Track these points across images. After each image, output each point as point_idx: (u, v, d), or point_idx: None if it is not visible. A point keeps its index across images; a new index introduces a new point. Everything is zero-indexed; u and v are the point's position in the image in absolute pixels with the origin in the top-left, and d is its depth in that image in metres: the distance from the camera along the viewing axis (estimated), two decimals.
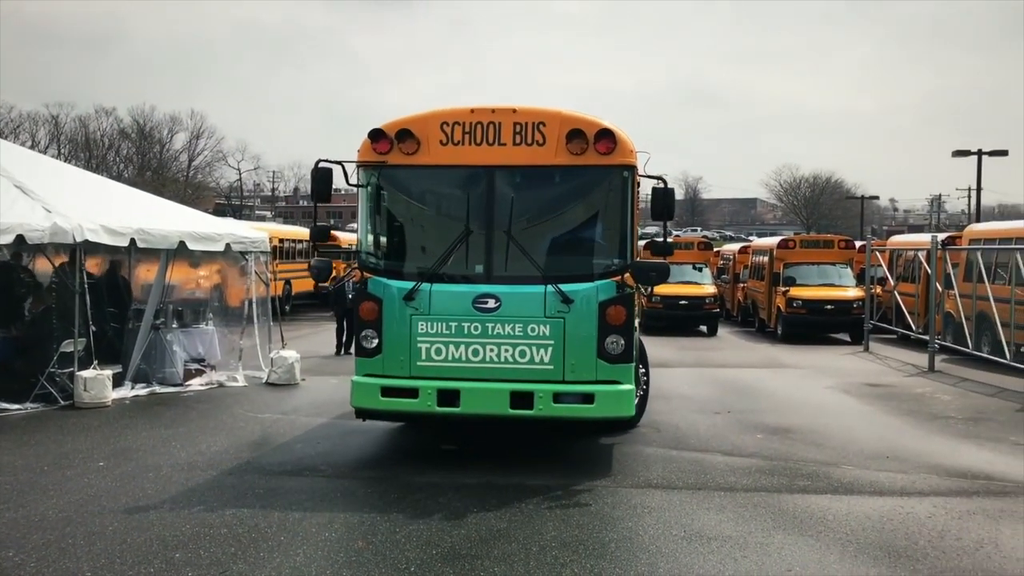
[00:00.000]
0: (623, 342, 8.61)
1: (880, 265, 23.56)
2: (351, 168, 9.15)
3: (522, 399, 8.47)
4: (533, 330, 8.56)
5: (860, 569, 6.26)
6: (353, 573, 6.06)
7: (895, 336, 23.17)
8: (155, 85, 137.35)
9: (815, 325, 23.84)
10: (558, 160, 8.74)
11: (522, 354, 8.56)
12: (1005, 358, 15.76)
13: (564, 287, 8.55)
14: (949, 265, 18.99)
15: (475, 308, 8.59)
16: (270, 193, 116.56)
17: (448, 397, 8.58)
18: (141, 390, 13.54)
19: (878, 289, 23.50)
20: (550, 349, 8.55)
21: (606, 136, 8.68)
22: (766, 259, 26.36)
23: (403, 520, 7.23)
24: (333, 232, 42.14)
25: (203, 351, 15.03)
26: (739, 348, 22.35)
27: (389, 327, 8.78)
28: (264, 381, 14.76)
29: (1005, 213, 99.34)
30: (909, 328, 21.20)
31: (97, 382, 12.39)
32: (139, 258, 15.62)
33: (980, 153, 39.96)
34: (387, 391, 8.72)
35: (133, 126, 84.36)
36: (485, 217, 8.82)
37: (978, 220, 40.01)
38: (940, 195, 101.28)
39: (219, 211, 67.68)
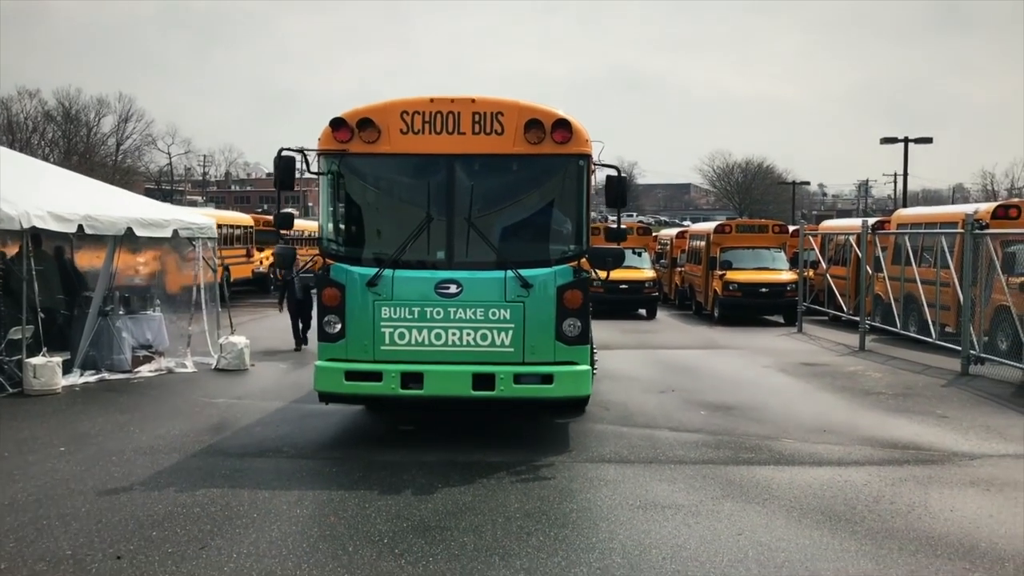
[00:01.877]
0: (580, 324, 8.96)
1: (813, 249, 24.36)
2: (312, 156, 9.31)
3: (484, 381, 8.78)
4: (494, 314, 8.85)
5: (804, 532, 6.71)
6: (329, 546, 6.31)
7: (826, 317, 24.01)
8: (80, 67, 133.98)
9: (750, 308, 24.58)
10: (516, 149, 9.02)
11: (483, 337, 8.84)
12: (931, 337, 16.53)
13: (523, 272, 8.86)
14: (878, 248, 19.77)
15: (437, 293, 8.85)
16: (201, 178, 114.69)
17: (412, 380, 8.84)
18: (90, 377, 13.51)
19: (810, 272, 24.30)
20: (510, 332, 8.85)
21: (562, 126, 8.99)
22: (703, 244, 27.03)
23: (371, 496, 7.50)
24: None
25: (151, 337, 15.03)
26: (678, 330, 22.97)
27: (352, 312, 8.97)
28: (213, 367, 14.81)
29: (928, 198, 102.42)
30: (841, 310, 22.02)
31: (47, 369, 12.36)
32: (79, 245, 15.51)
33: (906, 140, 41.31)
34: (351, 375, 8.93)
35: (58, 109, 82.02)
36: (446, 205, 9.08)
37: (904, 205, 41.42)
38: (867, 180, 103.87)
39: (149, 196, 66.40)
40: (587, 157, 9.23)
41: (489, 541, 6.45)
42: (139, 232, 13.96)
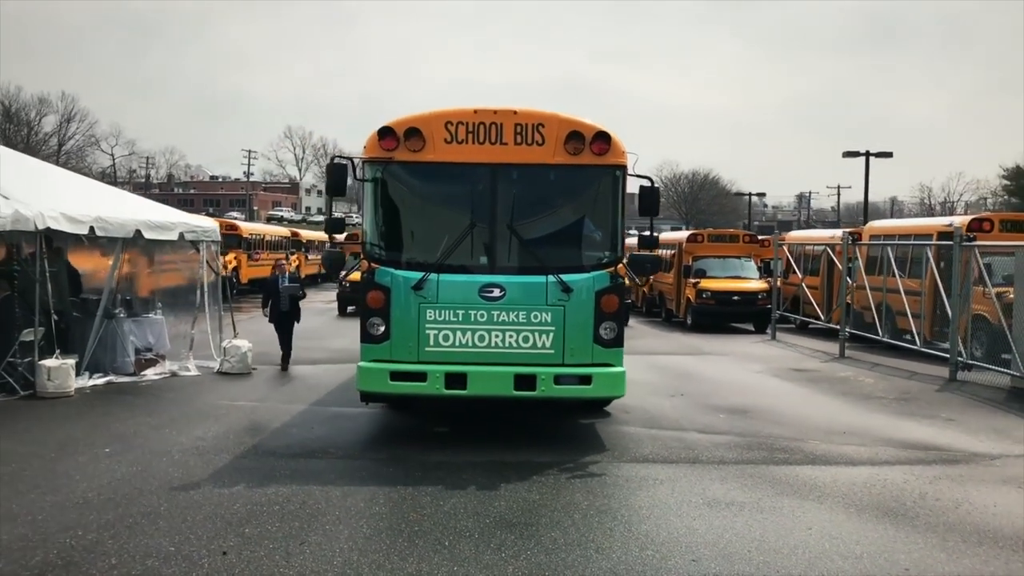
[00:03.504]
0: (616, 328, 9.39)
1: (781, 259, 25.04)
2: (358, 163, 9.63)
3: (525, 381, 9.12)
4: (535, 317, 9.20)
5: (869, 526, 7.08)
6: (425, 541, 6.49)
7: (794, 325, 24.68)
8: (21, 65, 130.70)
9: (723, 315, 25.14)
10: (556, 159, 9.37)
11: (525, 339, 9.20)
12: (916, 345, 17.18)
13: (563, 277, 9.23)
14: (860, 259, 20.45)
15: (481, 297, 9.18)
16: (144, 180, 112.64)
17: (455, 380, 9.12)
18: (98, 380, 13.41)
19: (778, 281, 24.97)
20: (551, 335, 9.21)
21: (602, 138, 9.40)
22: (674, 252, 27.56)
23: (441, 494, 7.67)
24: (236, 223, 41.59)
25: (153, 340, 14.93)
26: (657, 337, 23.40)
27: (397, 315, 9.25)
28: (216, 370, 14.77)
29: (872, 211, 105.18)
30: (813, 318, 22.68)
31: (61, 371, 12.26)
32: (74, 247, 15.32)
33: (868, 154, 42.61)
34: (396, 375, 9.18)
35: None
36: (488, 212, 9.43)
37: (865, 217, 42.82)
38: (809, 192, 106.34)
39: None
40: (623, 168, 9.61)
41: (575, 536, 6.68)
42: (147, 234, 13.90)
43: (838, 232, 24.18)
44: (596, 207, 9.84)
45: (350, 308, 28.58)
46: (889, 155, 42.10)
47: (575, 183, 9.76)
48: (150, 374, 14.14)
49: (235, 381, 14.04)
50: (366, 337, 9.37)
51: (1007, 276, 15.64)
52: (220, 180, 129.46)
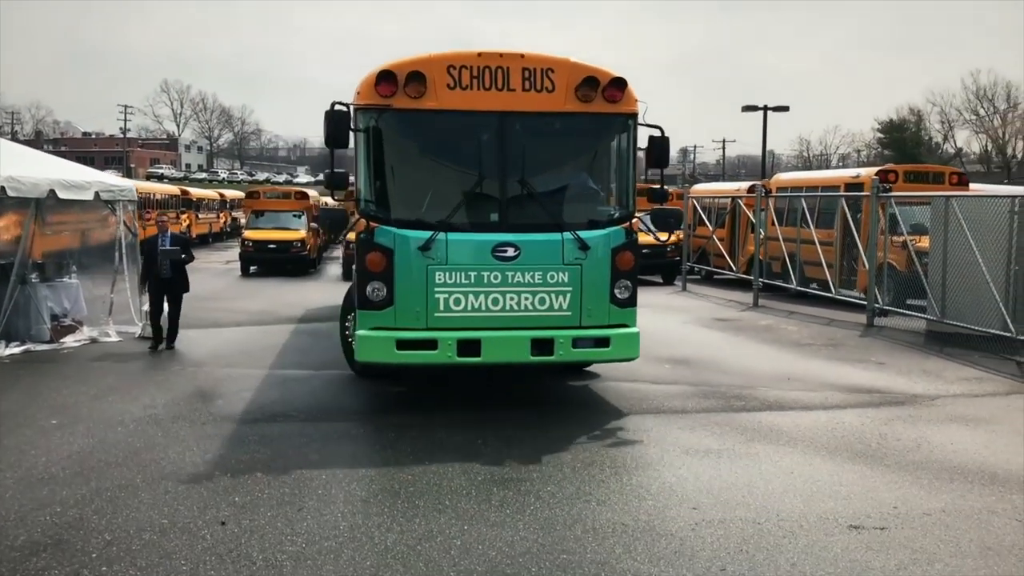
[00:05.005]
0: (631, 286, 9.01)
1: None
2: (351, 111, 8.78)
3: (542, 346, 8.65)
4: (552, 277, 8.69)
5: (845, 467, 7.36)
6: (425, 501, 6.41)
7: (699, 276, 25.30)
8: None
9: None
10: (567, 107, 8.79)
11: (541, 301, 8.69)
12: (831, 292, 17.87)
13: (580, 234, 8.77)
14: (771, 211, 21.04)
15: (494, 257, 8.59)
16: (9, 137, 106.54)
17: (468, 347, 8.55)
18: (15, 348, 12.69)
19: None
20: (568, 295, 8.73)
21: (617, 84, 8.86)
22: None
23: (422, 454, 7.59)
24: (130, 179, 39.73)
25: (69, 306, 14.20)
26: None
27: (402, 278, 8.58)
28: (138, 335, 14.16)
29: (746, 163, 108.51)
30: (724, 269, 23.30)
31: None
32: None
33: (765, 109, 43.75)
34: (403, 344, 8.55)
35: None
36: (497, 164, 8.79)
37: (763, 170, 43.94)
38: (695, 146, 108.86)
39: None
40: (635, 116, 9.11)
41: (571, 490, 6.72)
42: (61, 194, 13.13)
43: (743, 185, 24.83)
44: (609, 159, 9.38)
45: (252, 268, 27.91)
46: (786, 109, 43.31)
47: (587, 133, 9.26)
48: (69, 341, 13.46)
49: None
50: (365, 303, 8.66)
51: (914, 225, 16.38)
52: (93, 136, 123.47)
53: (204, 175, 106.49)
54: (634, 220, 9.26)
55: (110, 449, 7.71)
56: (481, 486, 6.78)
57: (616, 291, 8.94)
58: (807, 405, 9.61)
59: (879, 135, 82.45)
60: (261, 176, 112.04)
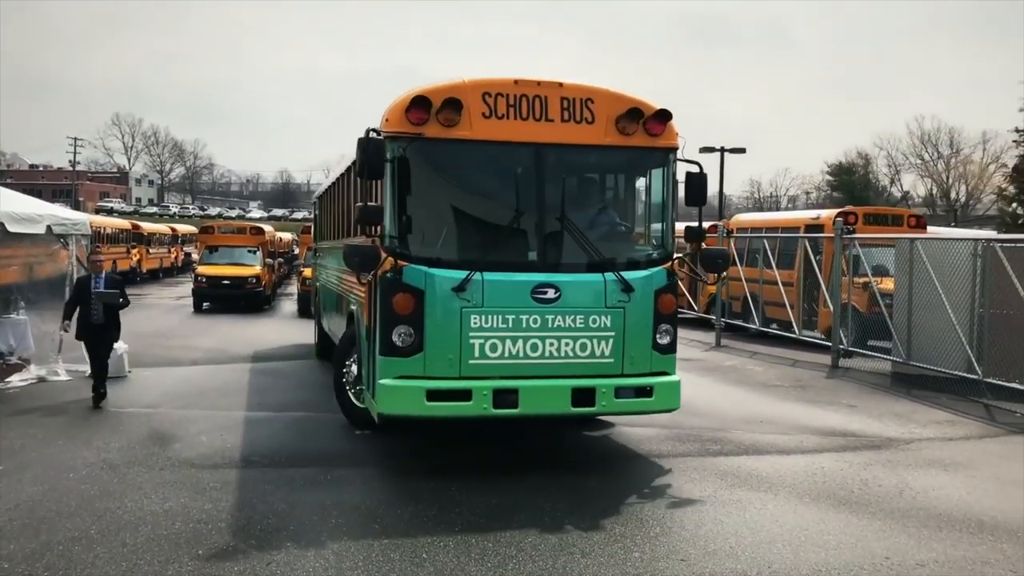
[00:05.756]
0: (672, 331, 8.51)
1: None
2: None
3: (583, 396, 8.03)
4: (594, 321, 8.10)
5: (830, 515, 7.17)
6: (401, 554, 6.09)
7: None
8: None
9: None
10: (607, 140, 8.30)
11: (583, 347, 8.08)
12: (794, 333, 17.89)
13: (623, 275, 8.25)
14: (733, 250, 21.08)
15: (534, 299, 7.96)
16: None
17: (505, 398, 7.90)
18: None
19: None
20: (611, 341, 8.14)
21: (662, 117, 8.41)
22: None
23: (398, 498, 7.27)
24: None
25: (15, 343, 13.71)
26: None
27: (433, 322, 7.84)
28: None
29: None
30: (688, 308, 23.28)
31: None
32: None
33: (723, 150, 44.25)
34: (434, 394, 7.80)
35: None
36: (535, 199, 8.21)
37: (720, 211, 44.40)
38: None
39: None
40: (675, 151, 8.67)
41: (554, 541, 6.43)
42: (11, 227, 12.61)
43: (705, 225, 24.86)
44: (650, 195, 8.88)
45: (205, 305, 27.32)
46: (743, 151, 43.84)
47: (627, 167, 8.87)
48: (15, 380, 12.92)
49: (113, 386, 12.92)
50: (389, 349, 7.87)
51: (875, 267, 16.47)
52: (41, 169, 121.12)
53: (155, 209, 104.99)
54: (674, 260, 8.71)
55: (61, 498, 7.26)
56: (459, 536, 6.47)
57: (658, 336, 8.37)
58: (783, 449, 9.44)
59: (829, 177, 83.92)
60: (213, 211, 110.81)
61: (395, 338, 7.87)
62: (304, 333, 19.12)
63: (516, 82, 8.15)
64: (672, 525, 6.85)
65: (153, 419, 10.50)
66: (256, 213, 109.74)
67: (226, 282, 27.08)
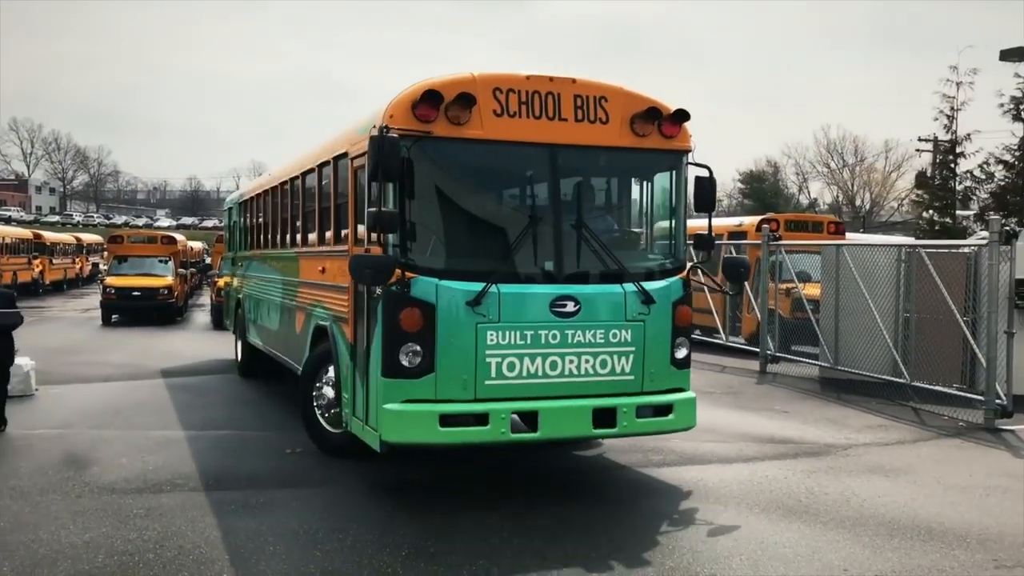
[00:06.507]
0: (688, 345, 8.18)
1: None
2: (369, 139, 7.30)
3: (604, 416, 7.52)
4: (615, 336, 7.59)
5: (782, 525, 7.08)
6: None
7: None
8: None
9: None
10: (622, 142, 7.85)
11: (603, 364, 7.56)
12: (723, 339, 18.03)
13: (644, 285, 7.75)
14: None
15: (553, 313, 7.40)
16: None
17: (524, 421, 7.56)
18: None
19: None
20: (631, 357, 7.65)
21: (679, 118, 7.98)
22: None
23: (339, 523, 6.90)
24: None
25: None
26: None
27: (446, 339, 7.18)
28: None
29: None
30: None
31: None
32: None
33: None
34: (448, 419, 7.18)
35: None
36: (550, 204, 7.67)
37: None
38: None
39: None
40: (688, 154, 8.22)
41: (510, 553, 6.17)
42: None
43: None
44: (663, 200, 8.35)
45: (115, 317, 26.29)
46: None
47: (641, 171, 8.38)
48: None
49: (19, 406, 12.16)
50: (395, 370, 7.19)
51: (799, 273, 16.65)
52: None
53: (57, 218, 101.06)
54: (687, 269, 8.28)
55: None
56: (406, 560, 6.15)
57: (675, 351, 7.97)
58: (725, 458, 9.36)
59: (740, 185, 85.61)
60: (119, 219, 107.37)
61: (402, 358, 7.17)
62: (221, 346, 18.46)
63: (528, 77, 7.59)
64: (625, 544, 6.65)
65: (66, 441, 9.87)
66: (164, 221, 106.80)
67: (137, 293, 26.11)
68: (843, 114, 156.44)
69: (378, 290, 7.30)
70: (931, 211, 25.49)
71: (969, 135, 24.72)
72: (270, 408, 12.08)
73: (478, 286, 7.21)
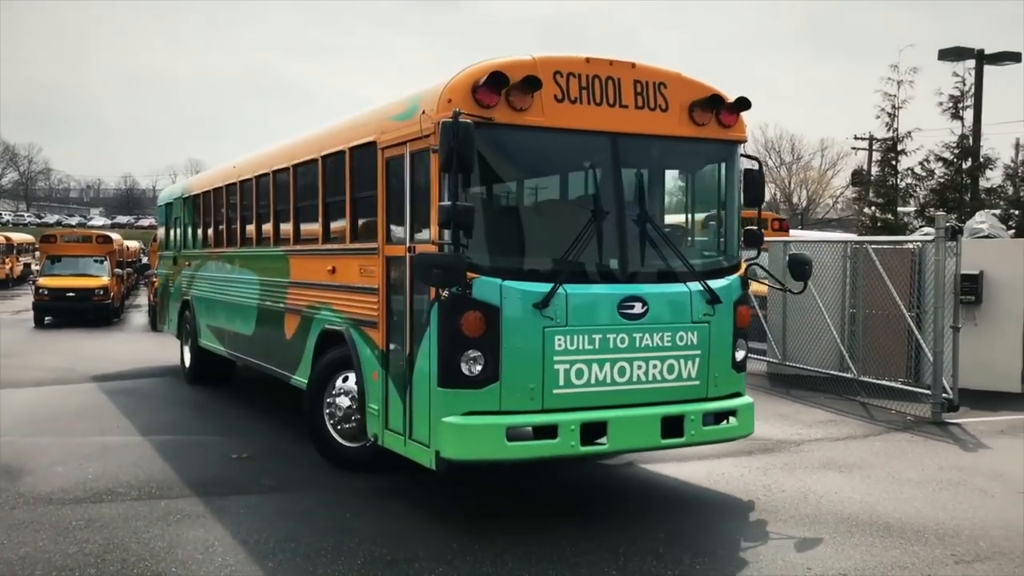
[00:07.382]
0: (746, 346, 7.72)
1: None
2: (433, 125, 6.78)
3: (672, 425, 7.06)
4: (681, 339, 7.11)
5: (746, 527, 7.03)
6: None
7: None
8: None
9: None
10: (681, 131, 7.38)
11: (670, 369, 7.07)
12: None
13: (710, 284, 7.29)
14: None
15: (620, 315, 6.90)
16: None
17: (592, 432, 6.83)
18: None
19: None
20: (697, 361, 7.18)
21: (739, 106, 7.52)
22: None
23: (293, 532, 6.66)
24: None
25: None
26: None
27: (511, 345, 6.58)
28: None
29: None
30: None
31: None
32: None
33: None
34: (513, 432, 6.65)
35: None
36: (613, 198, 7.10)
37: None
38: None
39: None
40: (742, 144, 7.81)
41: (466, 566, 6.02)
42: None
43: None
44: (720, 193, 7.86)
45: (48, 319, 25.49)
46: None
47: (699, 162, 7.98)
48: None
49: None
50: (454, 379, 6.58)
51: None
52: None
53: (9, 217, 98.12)
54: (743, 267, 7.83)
55: None
56: (362, 569, 5.94)
57: (736, 352, 7.51)
58: (680, 456, 9.19)
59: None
60: (51, 218, 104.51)
61: (463, 366, 6.55)
62: (160, 347, 17.96)
63: (588, 60, 7.06)
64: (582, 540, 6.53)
65: None
66: (98, 220, 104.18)
67: (71, 294, 25.33)
68: (779, 113, 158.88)
69: (432, 291, 6.67)
70: (873, 207, 25.85)
71: (910, 132, 25.08)
72: (215, 412, 11.73)
73: (544, 287, 6.65)
